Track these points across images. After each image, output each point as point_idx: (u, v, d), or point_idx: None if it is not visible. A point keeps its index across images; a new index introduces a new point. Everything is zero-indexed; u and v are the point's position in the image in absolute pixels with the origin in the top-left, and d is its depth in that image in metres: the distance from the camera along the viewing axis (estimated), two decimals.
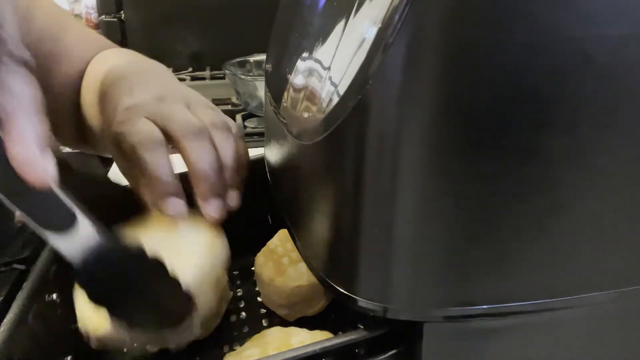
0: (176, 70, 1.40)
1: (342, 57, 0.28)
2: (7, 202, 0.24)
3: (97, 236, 0.28)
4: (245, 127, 0.95)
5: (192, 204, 0.40)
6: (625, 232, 0.29)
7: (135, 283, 0.31)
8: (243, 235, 0.56)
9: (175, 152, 0.43)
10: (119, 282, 0.30)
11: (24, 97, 0.21)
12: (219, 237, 0.43)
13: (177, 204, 0.37)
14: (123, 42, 1.42)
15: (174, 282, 0.32)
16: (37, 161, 0.21)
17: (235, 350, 0.41)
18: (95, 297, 0.29)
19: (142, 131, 0.36)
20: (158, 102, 0.38)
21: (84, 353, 0.42)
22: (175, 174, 0.37)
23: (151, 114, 0.37)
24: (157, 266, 0.31)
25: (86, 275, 0.29)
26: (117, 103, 0.38)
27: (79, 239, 0.27)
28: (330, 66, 0.30)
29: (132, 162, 0.37)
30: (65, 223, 0.27)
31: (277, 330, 0.41)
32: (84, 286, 0.29)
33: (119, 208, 0.37)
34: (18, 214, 0.24)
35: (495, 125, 0.25)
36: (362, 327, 0.47)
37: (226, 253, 0.43)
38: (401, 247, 0.28)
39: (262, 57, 1.05)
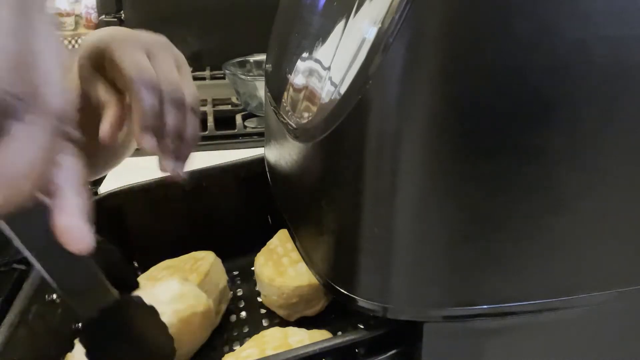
0: None
1: (342, 57, 0.28)
2: (34, 262, 0.26)
3: (111, 298, 0.30)
4: (245, 127, 0.95)
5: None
6: (625, 232, 0.29)
7: (132, 331, 0.33)
8: (243, 235, 0.57)
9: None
10: (119, 333, 0.32)
11: (72, 171, 0.22)
12: (187, 284, 0.44)
13: (152, 140, 0.37)
14: None
15: (163, 328, 0.34)
16: (79, 230, 0.22)
17: (234, 350, 0.41)
18: (95, 354, 0.31)
19: (138, 61, 0.36)
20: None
21: None
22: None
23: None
24: (152, 314, 0.33)
25: (90, 331, 0.30)
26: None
27: (94, 300, 0.29)
28: (330, 66, 0.30)
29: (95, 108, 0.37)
30: (86, 286, 0.29)
31: (275, 331, 0.41)
32: (86, 343, 0.31)
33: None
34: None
35: (495, 125, 0.25)
36: (362, 327, 0.47)
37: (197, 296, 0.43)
38: (401, 247, 0.28)
39: (262, 57, 1.05)
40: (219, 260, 0.50)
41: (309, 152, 0.33)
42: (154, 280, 0.47)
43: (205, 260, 0.48)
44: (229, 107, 1.06)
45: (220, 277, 0.49)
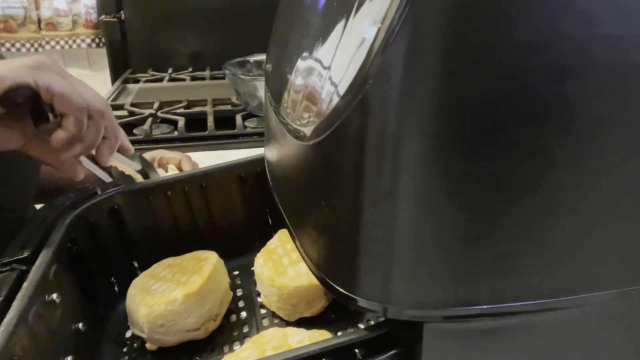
0: (176, 70, 1.41)
1: (342, 57, 0.28)
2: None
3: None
4: (245, 127, 0.95)
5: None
6: (625, 232, 0.29)
7: None
8: (243, 235, 0.57)
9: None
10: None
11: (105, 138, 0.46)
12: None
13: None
14: (123, 42, 1.43)
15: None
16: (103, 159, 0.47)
17: (235, 350, 0.41)
18: None
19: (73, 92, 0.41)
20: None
21: (84, 353, 0.42)
22: None
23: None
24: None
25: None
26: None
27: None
28: (330, 66, 0.30)
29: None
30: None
31: (275, 331, 0.41)
32: None
33: None
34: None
35: (495, 125, 0.25)
36: (362, 327, 0.47)
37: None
38: (401, 247, 0.28)
39: (262, 57, 1.06)
40: (221, 262, 0.50)
41: (309, 152, 0.33)
42: (156, 278, 0.47)
43: (208, 262, 0.48)
44: (229, 107, 1.06)
45: (223, 278, 0.49)
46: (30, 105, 0.43)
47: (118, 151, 0.50)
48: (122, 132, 0.49)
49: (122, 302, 0.47)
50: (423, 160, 0.26)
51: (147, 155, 0.68)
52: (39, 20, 1.83)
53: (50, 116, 0.42)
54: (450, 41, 0.24)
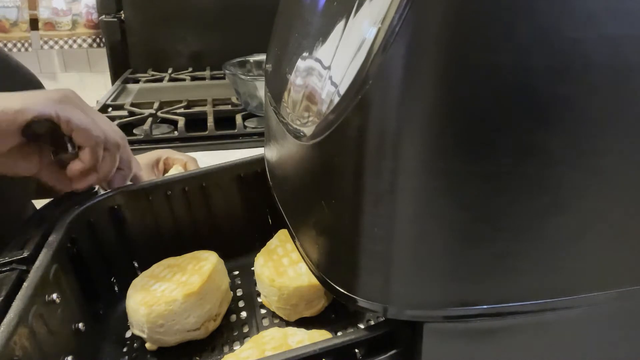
0: (176, 70, 1.41)
1: (342, 57, 0.28)
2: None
3: None
4: (245, 127, 0.95)
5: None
6: (625, 232, 0.29)
7: None
8: (243, 235, 0.57)
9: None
10: None
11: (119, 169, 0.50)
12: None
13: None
14: (123, 42, 1.43)
15: None
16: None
17: (235, 350, 0.41)
18: None
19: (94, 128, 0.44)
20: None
21: (84, 353, 0.42)
22: None
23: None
24: None
25: None
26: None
27: None
28: (330, 66, 0.30)
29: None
30: None
31: (274, 331, 0.41)
32: None
33: None
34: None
35: (496, 125, 0.25)
36: (362, 327, 0.47)
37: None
38: (401, 247, 0.28)
39: (262, 57, 1.05)
40: (221, 262, 0.49)
41: (309, 152, 0.33)
42: (156, 278, 0.47)
43: (208, 262, 0.48)
44: (229, 107, 1.06)
45: (223, 278, 0.49)
46: (50, 135, 0.45)
47: (131, 181, 0.52)
48: (135, 163, 0.52)
49: (122, 302, 0.47)
50: (423, 160, 0.26)
51: (154, 154, 0.69)
52: (33, 20, 1.83)
53: (69, 147, 0.45)
54: (450, 41, 0.24)
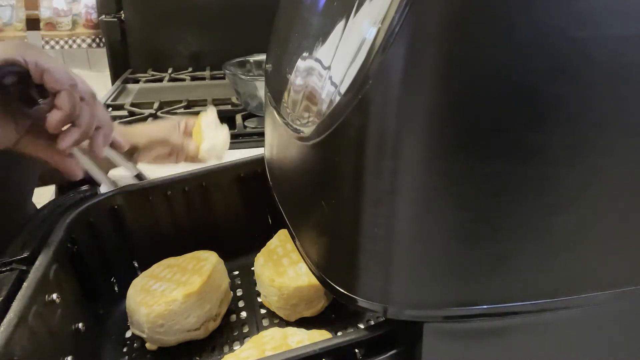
0: (176, 70, 1.41)
1: (342, 57, 0.28)
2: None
3: None
4: (245, 127, 0.95)
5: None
6: (625, 232, 0.29)
7: None
8: (243, 235, 0.57)
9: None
10: None
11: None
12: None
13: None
14: (123, 42, 1.43)
15: None
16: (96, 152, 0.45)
17: (235, 350, 0.41)
18: None
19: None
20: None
21: (84, 353, 0.42)
22: None
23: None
24: None
25: None
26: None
27: None
28: (331, 66, 0.30)
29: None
30: None
31: (274, 331, 0.41)
32: None
33: None
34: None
35: (495, 125, 0.25)
36: (362, 327, 0.47)
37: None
38: (401, 247, 0.28)
39: (262, 57, 1.05)
40: (221, 262, 0.50)
41: (309, 152, 0.33)
42: (156, 278, 0.47)
43: (208, 262, 0.48)
44: (229, 107, 1.06)
45: (223, 278, 0.49)
46: (20, 95, 0.42)
47: (111, 147, 0.49)
48: (116, 126, 0.49)
49: (122, 302, 0.47)
50: (423, 160, 0.26)
51: (167, 122, 0.66)
52: (34, 20, 1.83)
53: (40, 100, 0.42)
54: (450, 41, 0.24)
